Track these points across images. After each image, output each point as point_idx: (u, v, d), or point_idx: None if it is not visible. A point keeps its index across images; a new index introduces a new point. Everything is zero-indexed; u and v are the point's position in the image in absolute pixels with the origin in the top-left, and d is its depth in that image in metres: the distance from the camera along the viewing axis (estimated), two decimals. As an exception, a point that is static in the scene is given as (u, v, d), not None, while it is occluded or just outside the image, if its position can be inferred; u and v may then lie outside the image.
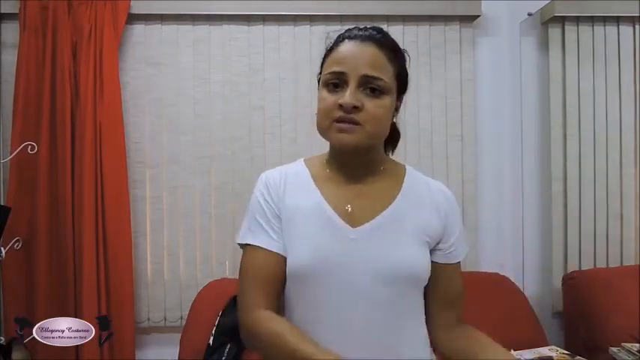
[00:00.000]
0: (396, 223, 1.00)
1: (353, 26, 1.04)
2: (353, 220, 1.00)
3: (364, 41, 0.99)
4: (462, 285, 1.09)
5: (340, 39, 1.02)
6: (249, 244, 1.01)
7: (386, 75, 0.98)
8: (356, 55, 0.97)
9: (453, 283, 1.07)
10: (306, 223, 1.00)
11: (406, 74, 1.05)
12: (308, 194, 1.02)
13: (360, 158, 1.03)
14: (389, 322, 0.99)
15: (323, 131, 1.00)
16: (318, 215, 1.00)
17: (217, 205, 2.42)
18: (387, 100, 0.99)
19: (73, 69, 2.27)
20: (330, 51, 1.02)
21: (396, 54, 1.02)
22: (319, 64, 1.06)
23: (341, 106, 0.96)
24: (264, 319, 0.96)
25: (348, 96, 0.95)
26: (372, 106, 0.97)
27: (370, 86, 0.97)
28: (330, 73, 0.99)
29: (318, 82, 1.05)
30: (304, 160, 1.10)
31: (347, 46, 0.99)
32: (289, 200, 1.02)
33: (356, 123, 0.96)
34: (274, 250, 1.00)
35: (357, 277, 0.96)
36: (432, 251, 1.04)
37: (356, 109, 0.95)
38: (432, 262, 1.03)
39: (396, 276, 0.97)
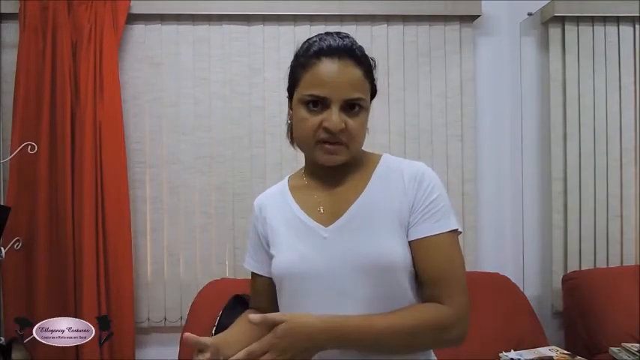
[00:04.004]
0: (366, 214, 1.01)
1: (323, 33, 1.02)
2: (325, 219, 1.03)
3: (342, 58, 0.97)
4: (447, 262, 0.97)
5: (314, 55, 0.99)
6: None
7: (364, 93, 1.00)
8: (336, 77, 0.96)
9: (430, 259, 0.97)
10: (286, 233, 1.06)
11: (375, 81, 1.05)
12: (286, 207, 1.09)
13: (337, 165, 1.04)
14: None
15: (307, 150, 1.03)
16: (295, 223, 1.05)
17: (217, 205, 2.42)
18: (365, 116, 1.01)
19: (73, 69, 2.27)
20: (304, 67, 0.99)
21: (368, 66, 1.01)
22: (287, 74, 1.05)
23: (326, 128, 0.97)
24: None
25: (334, 120, 0.96)
26: (354, 124, 0.98)
27: (351, 104, 0.98)
28: (310, 95, 0.98)
29: (289, 96, 1.05)
30: (288, 177, 1.16)
31: (326, 67, 0.97)
32: (270, 219, 1.10)
33: (341, 143, 0.98)
34: (256, 272, 1.15)
35: (336, 275, 0.97)
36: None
37: (341, 130, 0.97)
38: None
39: (370, 266, 0.96)
